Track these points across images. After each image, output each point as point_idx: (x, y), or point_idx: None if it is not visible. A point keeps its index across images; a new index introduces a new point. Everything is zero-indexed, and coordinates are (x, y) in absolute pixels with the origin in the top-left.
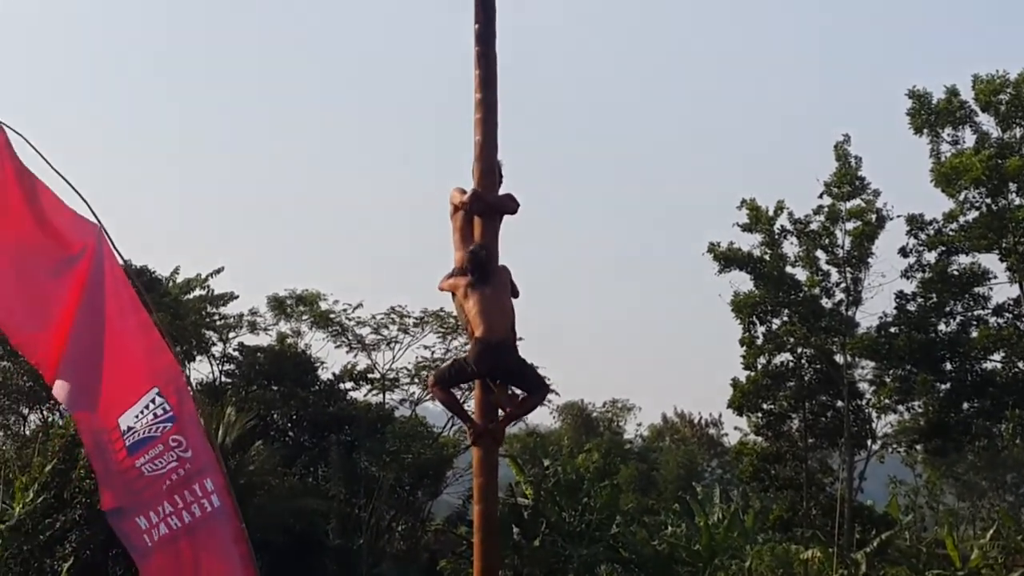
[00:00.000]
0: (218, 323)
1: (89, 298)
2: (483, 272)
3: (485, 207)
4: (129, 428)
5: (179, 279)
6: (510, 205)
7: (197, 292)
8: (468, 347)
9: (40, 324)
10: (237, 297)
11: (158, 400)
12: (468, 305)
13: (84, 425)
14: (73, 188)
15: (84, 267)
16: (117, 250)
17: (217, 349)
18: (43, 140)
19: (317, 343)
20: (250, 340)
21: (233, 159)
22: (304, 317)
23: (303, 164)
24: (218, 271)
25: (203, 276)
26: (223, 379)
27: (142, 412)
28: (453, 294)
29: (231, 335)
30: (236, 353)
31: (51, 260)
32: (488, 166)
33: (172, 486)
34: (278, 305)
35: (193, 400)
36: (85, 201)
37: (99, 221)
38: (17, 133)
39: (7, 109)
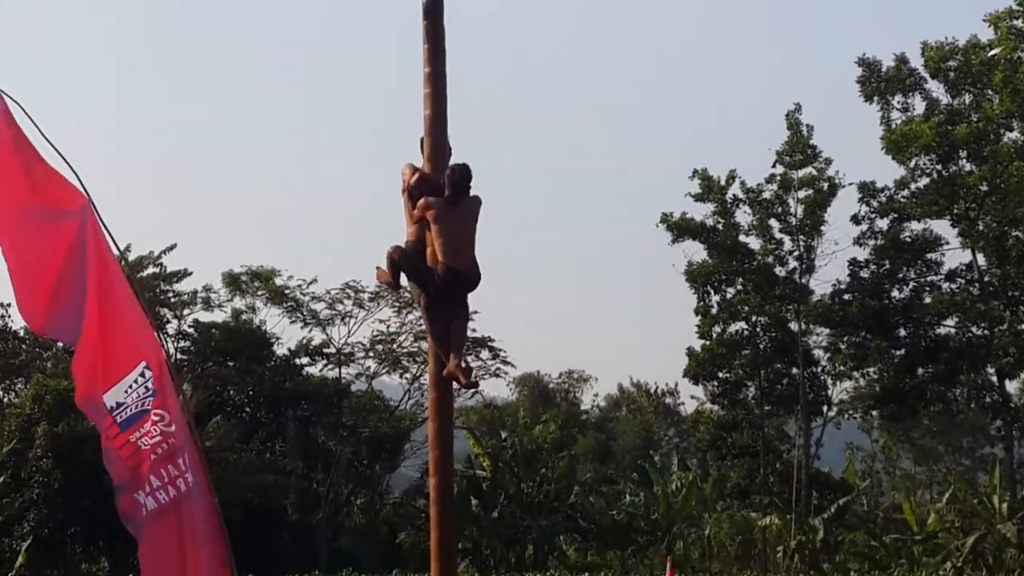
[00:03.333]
0: (172, 300)
1: (74, 259)
2: (459, 190)
3: (430, 190)
4: (119, 404)
5: (131, 257)
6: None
7: (151, 270)
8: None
9: (34, 272)
10: (191, 274)
11: (147, 374)
12: (436, 228)
13: (86, 405)
14: (65, 160)
15: (72, 228)
16: (104, 224)
17: (172, 326)
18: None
19: (272, 319)
20: (205, 317)
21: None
22: (259, 293)
23: (255, 139)
24: (171, 248)
25: (156, 254)
26: (179, 356)
27: (131, 386)
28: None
29: (186, 312)
30: (191, 330)
31: (45, 213)
32: (438, 140)
33: (158, 460)
34: (233, 281)
35: (171, 375)
36: (75, 173)
37: (87, 193)
38: (15, 102)
39: None
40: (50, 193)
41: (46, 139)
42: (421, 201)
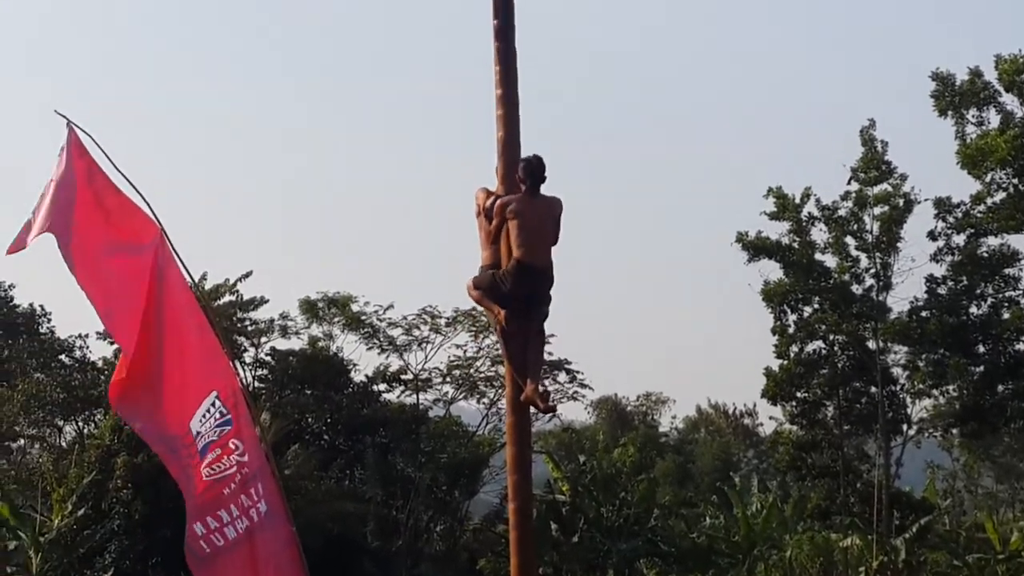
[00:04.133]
0: (249, 328)
1: (154, 292)
2: (536, 180)
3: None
4: (197, 433)
5: (207, 285)
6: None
7: (227, 298)
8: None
9: (122, 305)
10: (267, 301)
11: (217, 403)
12: (513, 224)
13: (154, 436)
14: (136, 189)
15: (150, 260)
16: (177, 253)
17: (249, 355)
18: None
19: (349, 346)
20: (282, 344)
21: (262, 163)
22: (336, 320)
23: (331, 166)
24: (247, 275)
25: (232, 281)
26: (256, 384)
27: (205, 415)
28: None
29: (263, 340)
30: (268, 358)
31: (121, 247)
32: (510, 162)
33: (232, 492)
34: (309, 308)
35: (246, 403)
36: (147, 202)
37: (160, 223)
38: (87, 134)
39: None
40: (124, 225)
41: (117, 170)
42: (500, 200)
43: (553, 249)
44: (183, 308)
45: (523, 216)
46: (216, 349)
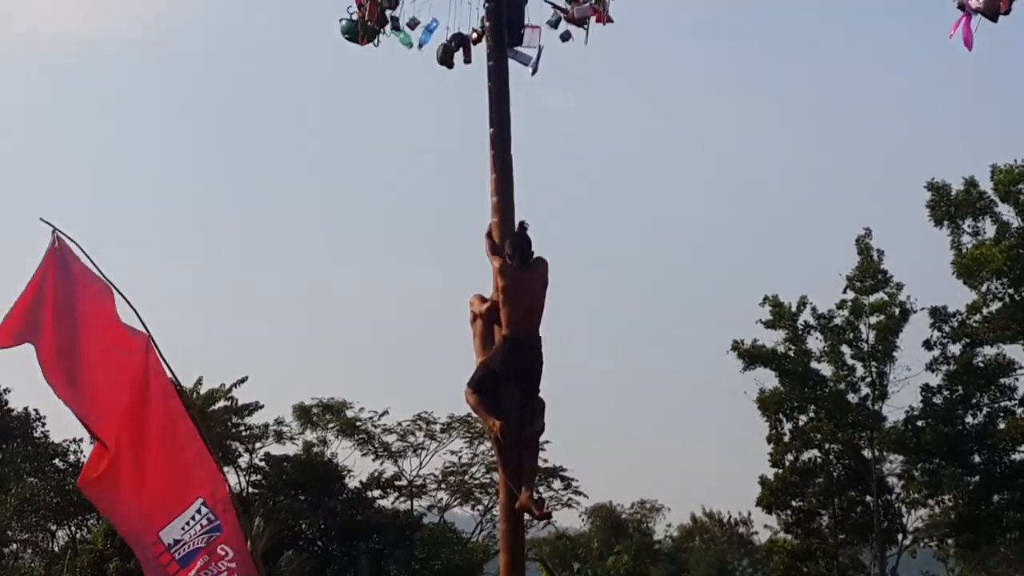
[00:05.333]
0: (244, 434)
1: (139, 398)
2: (523, 254)
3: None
4: (176, 541)
5: (203, 390)
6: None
7: (222, 403)
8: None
9: (106, 409)
10: (262, 407)
11: (203, 510)
12: (505, 297)
13: (131, 539)
14: (122, 295)
15: (137, 366)
16: (164, 359)
17: (244, 460)
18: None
19: (344, 451)
20: (276, 450)
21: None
22: (330, 425)
23: (324, 271)
24: (242, 380)
25: (227, 386)
26: (250, 490)
27: (189, 523)
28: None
29: (257, 445)
30: (263, 463)
31: (110, 351)
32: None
33: None
34: (304, 414)
35: (234, 510)
36: (133, 309)
37: (147, 329)
38: (72, 241)
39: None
40: (112, 331)
41: (103, 277)
42: (495, 264)
43: (546, 351)
44: (170, 415)
45: (510, 292)
46: (204, 455)
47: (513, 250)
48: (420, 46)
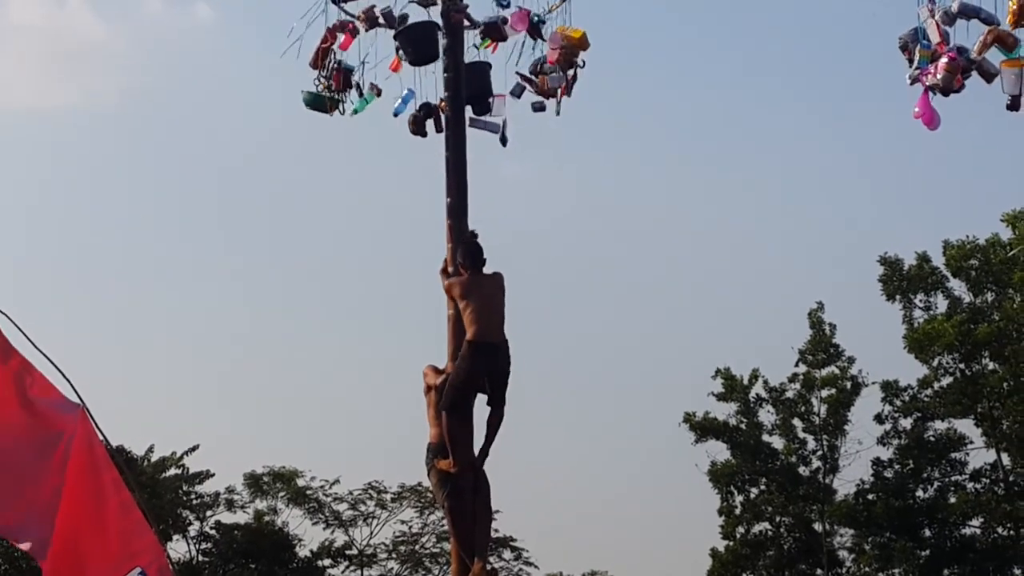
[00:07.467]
0: (194, 502)
1: (71, 482)
2: (476, 259)
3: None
4: None
5: (154, 458)
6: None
7: (173, 471)
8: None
9: (28, 511)
10: (213, 475)
11: None
12: (464, 303)
13: None
14: (55, 365)
15: (64, 449)
16: (100, 430)
17: (194, 528)
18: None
19: (294, 520)
20: (227, 518)
21: (205, 338)
22: (281, 494)
23: (274, 338)
24: (193, 449)
25: (178, 455)
26: (200, 558)
27: None
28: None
29: (208, 513)
30: (213, 532)
31: (37, 441)
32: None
33: None
34: (254, 482)
35: None
36: (67, 379)
37: (82, 400)
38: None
39: None
40: (41, 411)
41: (33, 345)
42: (445, 283)
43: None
44: (105, 488)
45: (471, 296)
46: (142, 525)
47: (465, 256)
48: (395, 115)
